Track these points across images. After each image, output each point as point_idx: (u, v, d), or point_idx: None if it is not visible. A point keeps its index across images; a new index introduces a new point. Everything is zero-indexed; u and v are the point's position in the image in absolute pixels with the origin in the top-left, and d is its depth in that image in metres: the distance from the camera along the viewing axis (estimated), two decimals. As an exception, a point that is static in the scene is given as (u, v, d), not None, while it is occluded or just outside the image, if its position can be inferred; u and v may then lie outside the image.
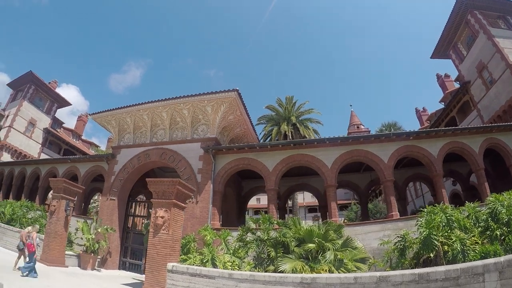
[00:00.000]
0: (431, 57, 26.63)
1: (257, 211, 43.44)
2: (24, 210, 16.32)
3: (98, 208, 30.49)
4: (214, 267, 8.64)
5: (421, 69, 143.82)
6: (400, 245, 7.73)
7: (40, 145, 31.92)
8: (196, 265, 8.69)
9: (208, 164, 14.31)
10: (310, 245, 8.41)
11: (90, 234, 14.11)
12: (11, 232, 14.07)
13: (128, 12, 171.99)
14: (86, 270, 13.15)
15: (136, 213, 16.78)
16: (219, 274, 7.35)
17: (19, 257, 9.47)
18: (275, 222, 10.39)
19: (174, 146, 15.38)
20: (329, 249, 8.23)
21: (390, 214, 12.02)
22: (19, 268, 8.86)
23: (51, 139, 33.16)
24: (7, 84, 33.54)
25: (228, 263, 8.96)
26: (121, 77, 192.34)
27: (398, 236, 8.05)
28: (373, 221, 13.32)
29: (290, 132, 23.74)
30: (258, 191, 20.68)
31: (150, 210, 13.79)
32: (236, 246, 9.88)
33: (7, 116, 31.55)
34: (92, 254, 13.80)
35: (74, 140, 35.81)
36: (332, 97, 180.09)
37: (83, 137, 38.16)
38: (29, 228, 10.19)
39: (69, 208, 13.26)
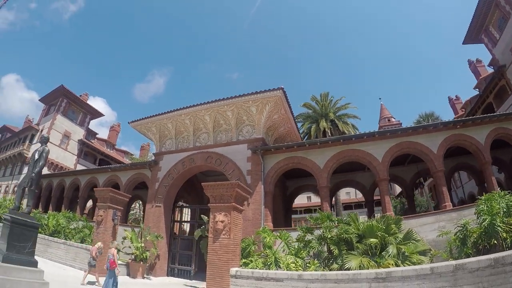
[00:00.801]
0: (463, 43, 25.32)
1: (307, 210, 42.45)
2: (66, 221, 16.21)
3: (136, 215, 30.95)
4: (278, 269, 8.36)
5: (449, 56, 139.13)
6: (461, 234, 7.73)
7: (76, 157, 32.57)
8: (259, 269, 8.43)
9: (257, 165, 13.91)
10: (372, 240, 8.12)
11: (139, 242, 13.83)
12: (56, 243, 13.95)
13: (148, 23, 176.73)
14: (136, 278, 12.98)
15: (181, 218, 16.51)
16: (288, 276, 7.06)
17: (88, 273, 9.75)
18: (336, 220, 10.09)
19: (220, 149, 15.03)
20: (391, 243, 7.97)
21: (444, 205, 11.55)
22: (88, 283, 8.94)
23: (86, 150, 33.83)
24: (39, 100, 34.53)
25: (292, 264, 8.67)
26: (145, 86, 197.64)
27: (459, 226, 8.04)
28: (427, 213, 12.63)
29: (329, 129, 23.14)
30: (303, 190, 20.30)
31: (203, 216, 13.58)
32: (296, 247, 9.57)
33: (42, 130, 32.40)
34: (142, 262, 13.51)
35: (108, 149, 36.41)
36: (359, 91, 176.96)
37: (116, 147, 38.76)
38: (99, 244, 10.34)
39: (116, 218, 13.06)
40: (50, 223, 15.30)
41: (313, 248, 9.28)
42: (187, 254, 15.27)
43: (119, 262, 12.97)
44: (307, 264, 8.68)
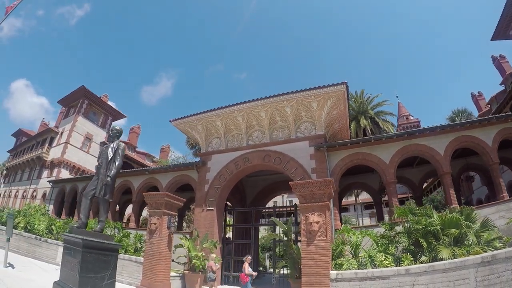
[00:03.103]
0: (491, 39, 24.47)
1: (367, 206, 40.93)
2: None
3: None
4: (374, 268, 7.84)
5: (467, 54, 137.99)
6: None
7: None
8: (355, 269, 7.98)
9: (322, 163, 13.15)
10: (453, 230, 8.11)
11: (196, 251, 12.67)
12: None
13: (155, 25, 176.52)
14: (196, 291, 11.77)
15: (234, 222, 15.42)
16: (395, 272, 6.87)
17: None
18: (418, 213, 9.52)
19: (278, 147, 14.13)
20: (469, 232, 8.08)
21: (501, 196, 11.53)
22: None
23: (108, 153, 32.61)
24: (57, 102, 33.58)
25: (385, 261, 8.19)
26: (153, 89, 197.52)
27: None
28: (488, 204, 12.42)
29: (369, 126, 22.32)
30: (353, 187, 20.08)
31: (274, 219, 12.52)
32: (380, 243, 9.14)
33: (62, 133, 31.39)
34: (200, 272, 12.34)
35: (130, 152, 35.32)
36: (373, 88, 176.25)
37: (137, 149, 37.72)
38: (213, 255, 10.37)
39: (172, 225, 11.74)
40: None
41: (400, 243, 8.87)
42: (242, 260, 14.16)
43: (173, 273, 11.86)
44: (401, 259, 8.09)
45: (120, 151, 5.98)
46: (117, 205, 25.45)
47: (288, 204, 30.78)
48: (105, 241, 5.37)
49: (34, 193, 31.80)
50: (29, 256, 12.63)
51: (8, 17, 12.17)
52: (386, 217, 25.52)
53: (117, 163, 5.80)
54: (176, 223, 12.36)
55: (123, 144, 6.14)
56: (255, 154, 14.32)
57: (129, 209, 26.73)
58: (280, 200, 38.27)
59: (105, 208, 5.80)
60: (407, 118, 48.55)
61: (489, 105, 34.00)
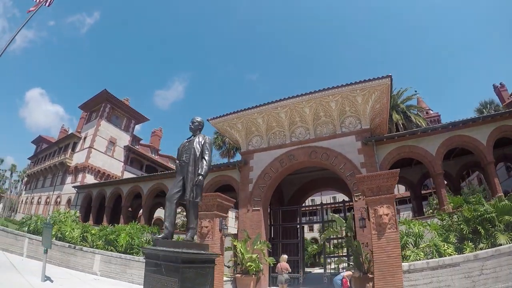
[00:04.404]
0: None
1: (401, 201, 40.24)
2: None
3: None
4: (440, 257, 7.95)
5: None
6: None
7: (122, 163, 31.48)
8: (421, 259, 8.09)
9: (371, 157, 13.05)
10: (507, 217, 8.28)
11: (249, 253, 12.33)
12: (138, 263, 11.43)
13: (166, 31, 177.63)
14: (248, 295, 11.44)
15: (279, 221, 15.13)
16: (464, 258, 7.18)
17: None
18: (473, 201, 9.67)
19: (324, 142, 14.03)
20: None
21: None
22: None
23: (132, 156, 32.81)
24: (78, 107, 33.71)
25: (448, 250, 8.29)
26: (165, 93, 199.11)
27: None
28: None
29: (401, 120, 21.89)
30: None
31: (333, 215, 12.22)
32: (436, 233, 9.27)
33: (85, 138, 31.39)
34: (254, 275, 12.01)
35: (153, 155, 35.28)
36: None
37: (160, 152, 37.64)
38: (284, 256, 10.24)
39: (225, 227, 11.39)
40: (122, 239, 12.57)
41: (462, 230, 8.86)
42: (292, 259, 13.84)
43: (224, 278, 11.41)
44: (463, 247, 8.27)
45: (207, 145, 5.11)
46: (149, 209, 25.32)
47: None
48: (203, 252, 4.58)
49: (58, 199, 31.84)
50: (62, 266, 11.85)
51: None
52: (426, 209, 25.01)
53: (207, 159, 4.95)
54: (227, 226, 12.07)
55: (208, 138, 5.32)
56: (301, 151, 14.15)
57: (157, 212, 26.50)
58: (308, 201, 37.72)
59: (195, 212, 4.91)
60: (427, 113, 47.93)
61: (512, 96, 33.63)
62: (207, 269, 4.42)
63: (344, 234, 12.93)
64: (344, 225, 10.73)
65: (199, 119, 5.58)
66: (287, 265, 10.03)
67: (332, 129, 14.15)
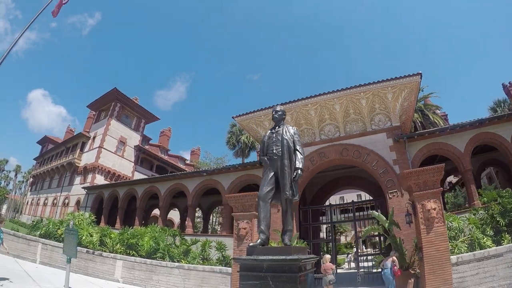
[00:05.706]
0: None
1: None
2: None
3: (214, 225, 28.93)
4: (481, 249, 8.19)
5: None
6: None
7: (133, 164, 31.04)
8: (464, 252, 8.32)
9: (403, 154, 13.15)
10: None
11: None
12: (165, 268, 10.82)
13: (168, 32, 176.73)
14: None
15: (309, 221, 14.95)
16: (507, 249, 7.45)
17: None
18: (504, 195, 9.71)
19: (355, 140, 14.05)
20: None
21: None
22: None
23: (143, 157, 32.33)
24: (87, 106, 33.23)
25: (487, 242, 8.51)
26: (167, 94, 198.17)
27: None
28: None
29: (420, 119, 21.86)
30: None
31: (373, 212, 12.05)
32: (474, 227, 9.35)
33: (94, 138, 30.92)
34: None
35: (163, 155, 34.86)
36: None
37: (169, 152, 37.22)
38: (327, 256, 9.83)
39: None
40: (146, 243, 11.61)
41: (498, 223, 9.07)
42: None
43: None
44: (501, 238, 8.45)
45: (297, 136, 4.60)
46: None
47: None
48: (313, 256, 4.22)
49: (66, 200, 31.35)
50: (80, 273, 11.12)
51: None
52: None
53: (300, 151, 4.43)
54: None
55: (292, 128, 4.76)
56: (332, 149, 14.07)
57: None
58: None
59: (291, 211, 4.43)
60: (434, 112, 48.08)
61: (521, 95, 33.75)
62: (307, 276, 4.02)
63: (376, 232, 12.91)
64: (386, 222, 10.60)
65: (281, 108, 5.11)
66: (331, 265, 9.74)
67: (362, 126, 14.14)
